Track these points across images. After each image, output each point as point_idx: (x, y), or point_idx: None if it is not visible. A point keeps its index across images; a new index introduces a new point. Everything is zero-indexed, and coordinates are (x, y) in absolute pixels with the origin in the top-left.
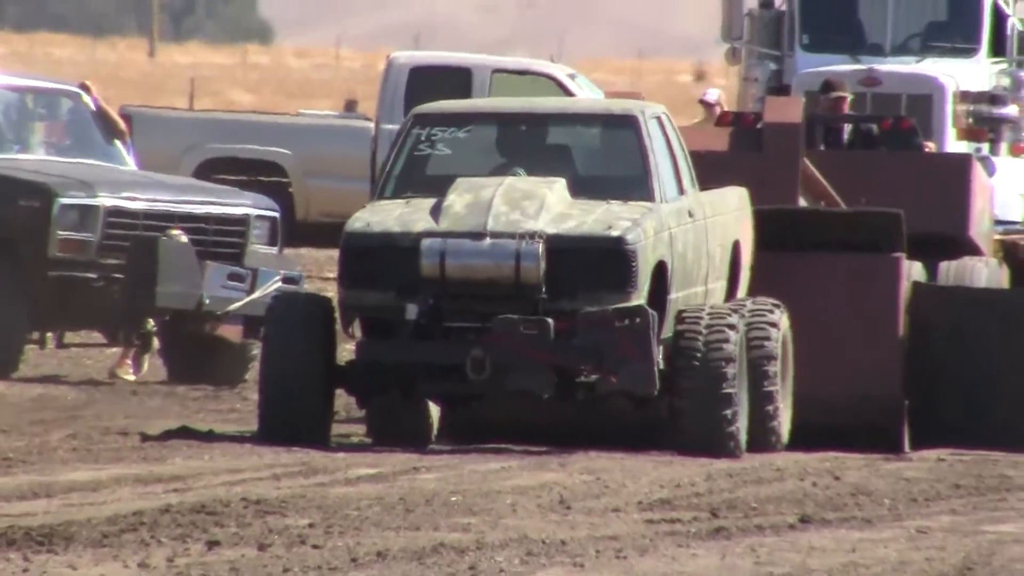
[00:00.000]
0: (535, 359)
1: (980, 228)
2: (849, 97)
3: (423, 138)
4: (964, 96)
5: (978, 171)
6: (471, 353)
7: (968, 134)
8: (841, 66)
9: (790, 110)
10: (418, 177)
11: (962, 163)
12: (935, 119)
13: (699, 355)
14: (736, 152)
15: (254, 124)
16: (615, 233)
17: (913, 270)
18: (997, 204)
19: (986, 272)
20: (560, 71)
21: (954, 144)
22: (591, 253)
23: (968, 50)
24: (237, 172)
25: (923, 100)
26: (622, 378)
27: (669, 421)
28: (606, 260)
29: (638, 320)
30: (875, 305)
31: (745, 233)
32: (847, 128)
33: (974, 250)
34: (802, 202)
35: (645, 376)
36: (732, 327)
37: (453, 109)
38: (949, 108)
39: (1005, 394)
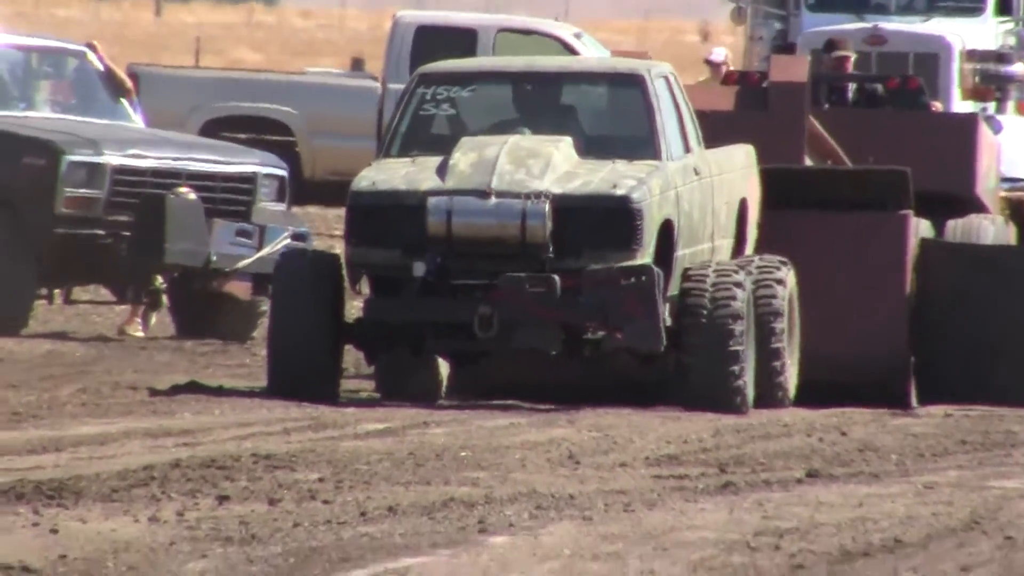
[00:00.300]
0: (542, 316)
1: (986, 186)
2: (853, 56)
3: (428, 97)
4: (971, 55)
5: (984, 130)
6: (478, 310)
7: (974, 93)
8: (846, 25)
9: (796, 69)
10: (423, 136)
11: (968, 122)
12: (941, 78)
13: (706, 312)
14: (742, 111)
15: (260, 83)
16: (620, 192)
17: (921, 228)
18: (1004, 162)
19: (993, 230)
20: (566, 31)
21: (960, 103)
22: (597, 212)
23: (974, 9)
24: (243, 131)
25: (929, 59)
26: (628, 335)
27: (676, 377)
28: (612, 219)
29: (643, 278)
30: (882, 263)
31: (752, 191)
32: (852, 87)
33: (981, 208)
34: (808, 161)
35: (650, 333)
36: (739, 284)
37: (458, 68)
38: (955, 67)
39: (1011, 351)
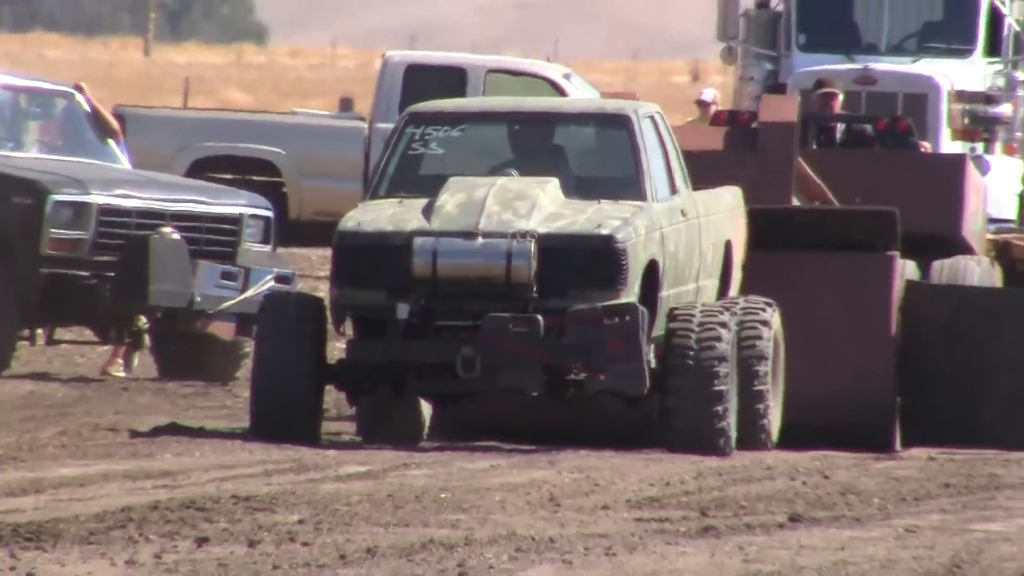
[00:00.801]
0: (525, 357)
1: (973, 227)
2: (840, 95)
3: (417, 137)
4: (959, 96)
5: (972, 171)
6: (461, 352)
7: (963, 134)
8: (837, 65)
9: (785, 109)
10: (412, 176)
11: (956, 163)
12: (930, 118)
13: (691, 353)
14: (731, 151)
15: (248, 123)
16: (605, 231)
17: (907, 269)
18: (991, 203)
19: (979, 271)
20: (555, 71)
21: (949, 144)
22: (581, 252)
23: (964, 50)
24: (231, 171)
25: (919, 99)
26: (611, 376)
27: (660, 419)
28: (596, 258)
29: (627, 318)
30: (868, 304)
31: (738, 232)
32: (840, 127)
33: (967, 249)
34: (796, 201)
35: (634, 375)
36: (724, 325)
37: (447, 108)
38: (944, 108)
39: (997, 393)
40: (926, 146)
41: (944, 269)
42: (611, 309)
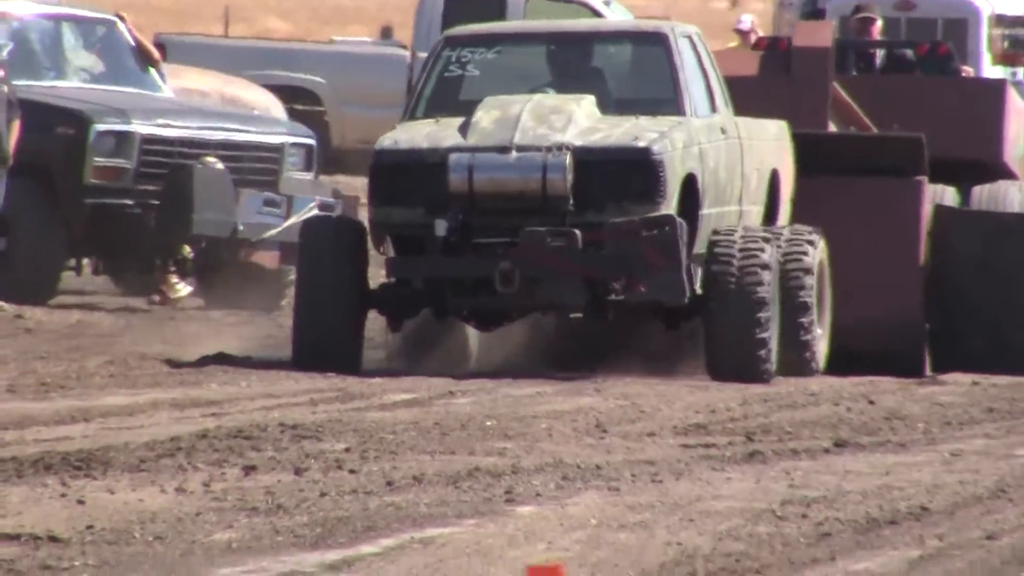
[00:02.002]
0: (563, 270)
1: (1015, 152)
2: (879, 20)
3: (453, 60)
4: (1000, 20)
5: (1013, 95)
6: (500, 266)
7: (1004, 58)
8: None
9: (820, 34)
10: (448, 98)
11: (996, 88)
12: (971, 43)
13: (732, 280)
14: (765, 76)
15: (289, 52)
16: (641, 144)
17: (946, 195)
18: None
19: (1019, 197)
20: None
21: (990, 68)
22: (618, 164)
23: None
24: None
25: (959, 24)
26: (651, 287)
27: (704, 346)
28: (633, 171)
29: (666, 229)
30: (897, 229)
31: (785, 164)
32: (880, 53)
33: (1008, 175)
34: (832, 127)
35: (674, 284)
36: (764, 251)
37: (483, 31)
38: (985, 32)
39: (1022, 320)
40: (968, 71)
41: (984, 194)
42: (649, 221)
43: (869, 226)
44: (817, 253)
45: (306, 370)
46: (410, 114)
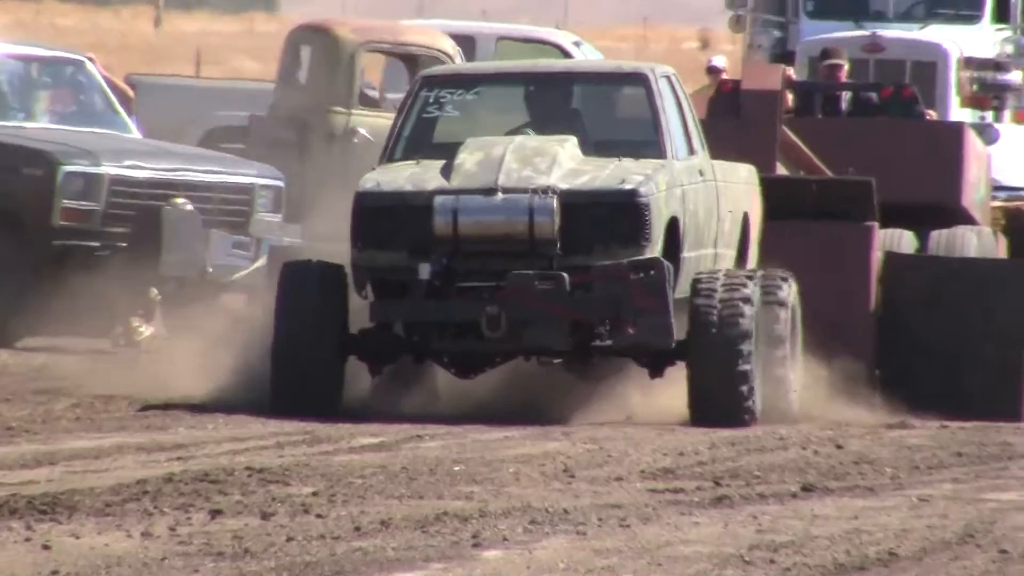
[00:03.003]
0: (551, 313)
1: (974, 197)
2: (846, 65)
3: (431, 100)
4: (968, 63)
5: (972, 139)
6: (486, 309)
7: (972, 101)
8: (845, 32)
9: (769, 77)
10: (427, 139)
11: (956, 131)
12: (939, 86)
13: (714, 315)
14: (714, 118)
15: (260, 92)
16: (628, 186)
17: (903, 240)
18: (1001, 171)
19: (976, 242)
20: (564, 38)
21: (958, 111)
22: (604, 207)
23: (972, 16)
24: (243, 141)
25: (927, 67)
26: (639, 330)
27: (687, 386)
28: (620, 214)
29: (652, 272)
30: (847, 274)
31: (755, 208)
32: (846, 96)
33: (968, 219)
34: (782, 170)
35: (662, 327)
36: (748, 300)
37: (461, 71)
38: (953, 75)
39: (976, 364)
40: (932, 114)
41: (942, 239)
42: (636, 264)
43: (819, 271)
44: (791, 293)
45: (284, 415)
46: (388, 155)
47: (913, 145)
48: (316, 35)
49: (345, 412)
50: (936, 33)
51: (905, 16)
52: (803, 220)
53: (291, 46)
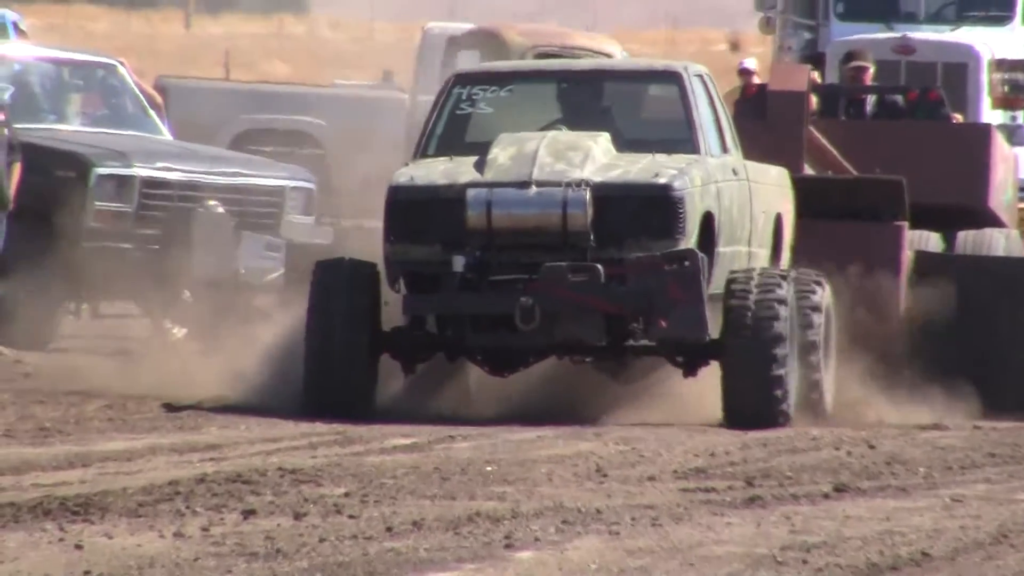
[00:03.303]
0: (585, 306)
1: (1001, 199)
2: (871, 68)
3: (464, 97)
4: (999, 64)
5: (999, 141)
6: (520, 302)
7: (1004, 102)
8: (875, 34)
9: (795, 78)
10: (460, 136)
11: (982, 133)
12: (970, 88)
13: (749, 317)
14: (741, 120)
15: (290, 95)
16: (662, 180)
17: (930, 241)
18: None
19: (1004, 243)
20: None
21: (989, 113)
22: (638, 201)
23: (1003, 17)
24: (273, 143)
25: (958, 68)
26: (672, 322)
27: (721, 387)
28: (654, 208)
29: (687, 264)
30: (877, 274)
31: (787, 209)
32: (871, 100)
33: (994, 221)
34: (808, 171)
35: (697, 319)
36: (782, 288)
37: (495, 68)
38: (984, 76)
39: (1009, 363)
40: (958, 117)
41: (968, 241)
42: (671, 255)
43: (849, 271)
44: (825, 295)
45: (317, 416)
46: (421, 152)
47: (941, 147)
48: (485, 39)
49: (378, 412)
50: (967, 35)
51: (936, 18)
52: (833, 220)
53: (448, 51)
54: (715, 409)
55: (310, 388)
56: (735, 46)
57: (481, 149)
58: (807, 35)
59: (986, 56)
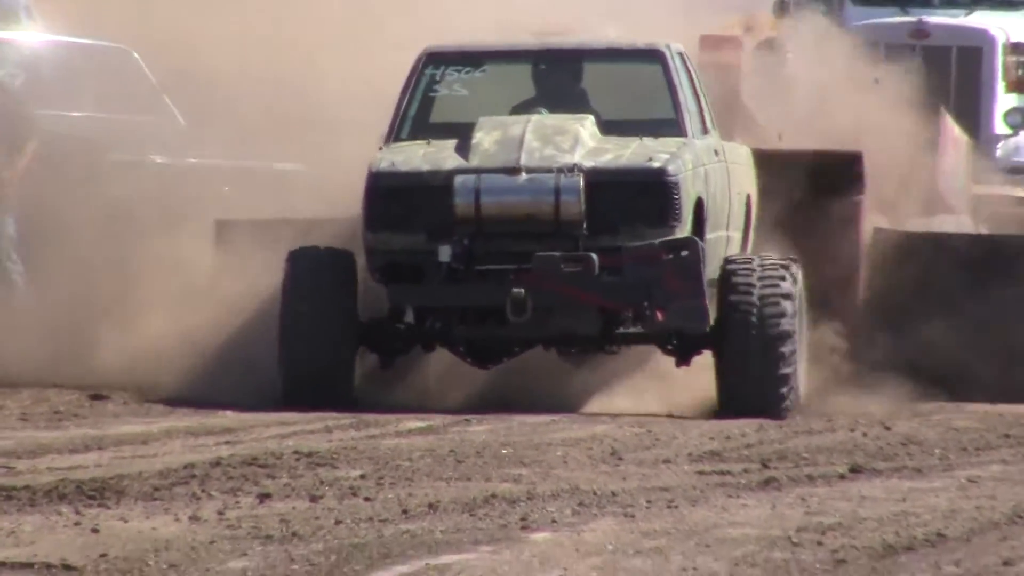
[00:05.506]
0: (579, 298)
1: (953, 184)
2: None
3: (437, 78)
4: (1014, 48)
5: (949, 124)
6: (511, 293)
7: (1018, 86)
8: (890, 19)
9: (726, 50)
10: (434, 118)
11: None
12: (985, 71)
13: (754, 313)
14: None
15: None
16: (656, 165)
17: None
18: None
19: (954, 230)
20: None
21: (1004, 97)
22: (632, 186)
23: (1018, 2)
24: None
25: (973, 52)
26: (671, 314)
27: (719, 382)
28: (648, 193)
29: (686, 253)
30: (836, 251)
31: (754, 190)
32: None
33: (946, 208)
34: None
35: (697, 311)
36: (786, 280)
37: (467, 48)
38: (999, 60)
39: (965, 340)
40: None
41: (918, 229)
42: (669, 244)
43: (807, 247)
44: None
45: (297, 407)
46: (395, 135)
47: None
48: None
49: (355, 403)
50: (982, 19)
51: (950, 2)
52: (790, 195)
53: None
54: (704, 396)
55: (289, 381)
56: (749, 30)
57: (458, 131)
58: None
59: (1001, 40)
